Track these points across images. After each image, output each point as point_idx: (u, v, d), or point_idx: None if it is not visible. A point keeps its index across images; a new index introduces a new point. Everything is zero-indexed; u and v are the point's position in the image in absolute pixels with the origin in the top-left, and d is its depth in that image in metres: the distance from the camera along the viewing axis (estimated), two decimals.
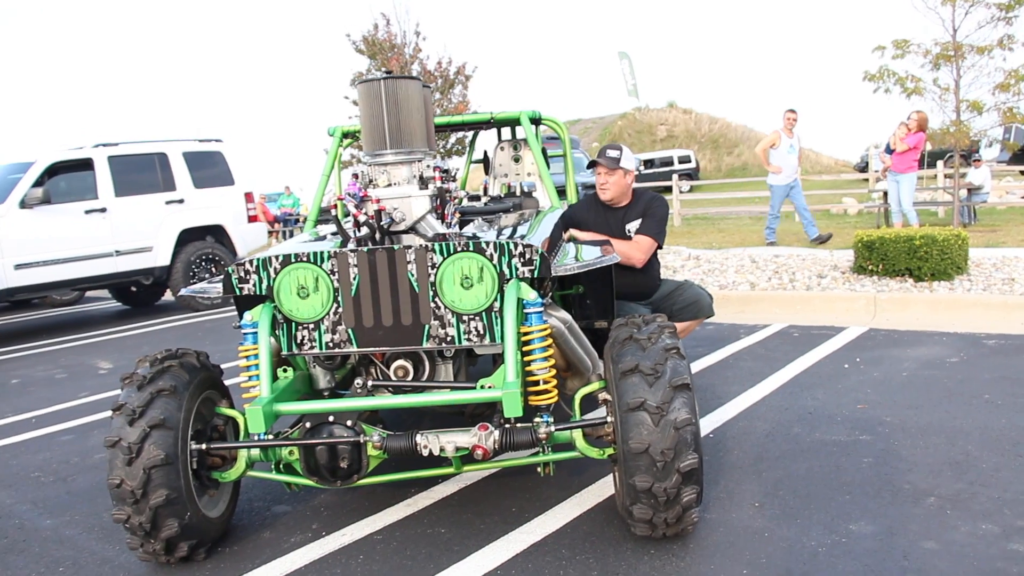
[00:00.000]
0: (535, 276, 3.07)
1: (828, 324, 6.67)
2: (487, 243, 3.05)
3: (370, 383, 3.22)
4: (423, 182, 3.46)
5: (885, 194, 16.29)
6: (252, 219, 11.46)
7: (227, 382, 3.47)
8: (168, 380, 3.09)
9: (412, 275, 3.08)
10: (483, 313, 3.08)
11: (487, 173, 5.77)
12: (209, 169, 11.13)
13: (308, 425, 3.11)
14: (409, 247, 3.07)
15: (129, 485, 2.93)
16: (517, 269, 3.05)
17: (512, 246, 3.04)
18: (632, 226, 4.65)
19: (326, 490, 3.71)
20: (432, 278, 3.07)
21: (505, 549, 3.06)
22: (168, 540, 3.02)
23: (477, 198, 4.79)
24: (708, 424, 4.34)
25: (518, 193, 5.49)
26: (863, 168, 29.23)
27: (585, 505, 3.40)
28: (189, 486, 3.06)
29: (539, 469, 3.20)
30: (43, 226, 9.36)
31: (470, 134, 7.49)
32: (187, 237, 10.72)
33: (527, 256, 3.04)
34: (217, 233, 11.08)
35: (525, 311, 3.07)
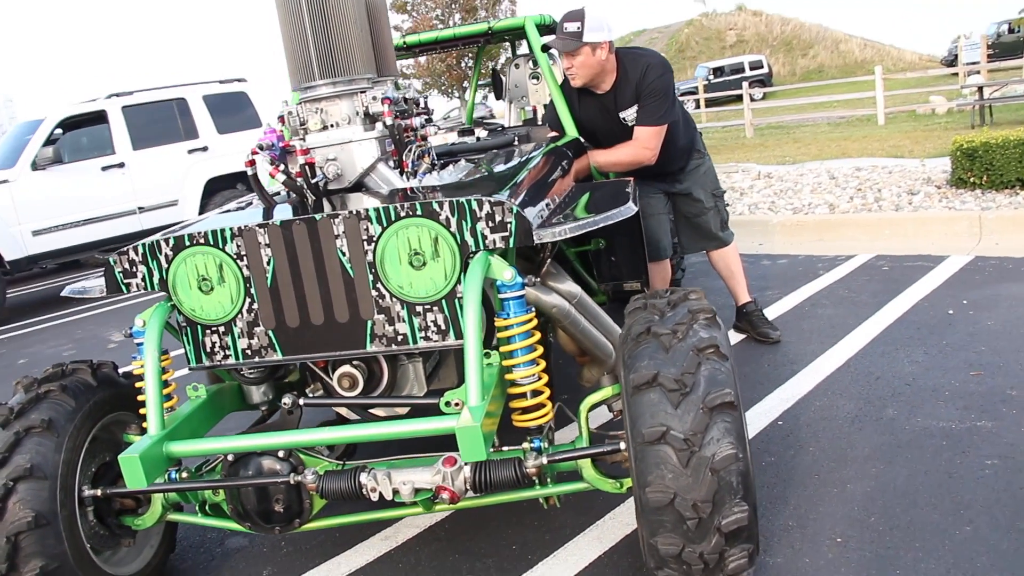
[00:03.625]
0: (511, 246, 2.19)
1: (924, 253, 5.56)
2: (440, 203, 2.17)
3: (302, 401, 2.42)
4: (369, 120, 2.59)
5: (980, 89, 14.63)
6: None
7: None
8: (44, 412, 2.35)
9: (343, 254, 2.24)
10: (443, 301, 2.23)
11: (499, 97, 4.81)
12: (233, 113, 10.39)
13: (230, 459, 2.34)
14: (336, 215, 2.22)
15: None
16: (484, 237, 2.18)
17: (475, 205, 2.16)
18: (628, 115, 3.64)
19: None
20: (370, 256, 2.22)
21: None
22: None
23: (470, 131, 3.86)
24: (777, 403, 3.43)
25: (540, 120, 4.57)
26: (951, 61, 26.76)
27: (607, 540, 2.57)
28: (80, 548, 2.34)
29: (542, 502, 2.37)
30: (58, 187, 8.78)
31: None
32: (215, 187, 10.05)
33: (498, 218, 2.16)
34: (248, 180, 10.39)
35: (500, 296, 2.21)
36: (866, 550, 2.32)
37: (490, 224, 2.15)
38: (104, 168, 9.14)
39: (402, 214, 2.18)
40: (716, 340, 2.01)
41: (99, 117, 9.28)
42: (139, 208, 9.38)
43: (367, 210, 2.19)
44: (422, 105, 2.95)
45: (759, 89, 30.32)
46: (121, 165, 9.25)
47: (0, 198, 8.41)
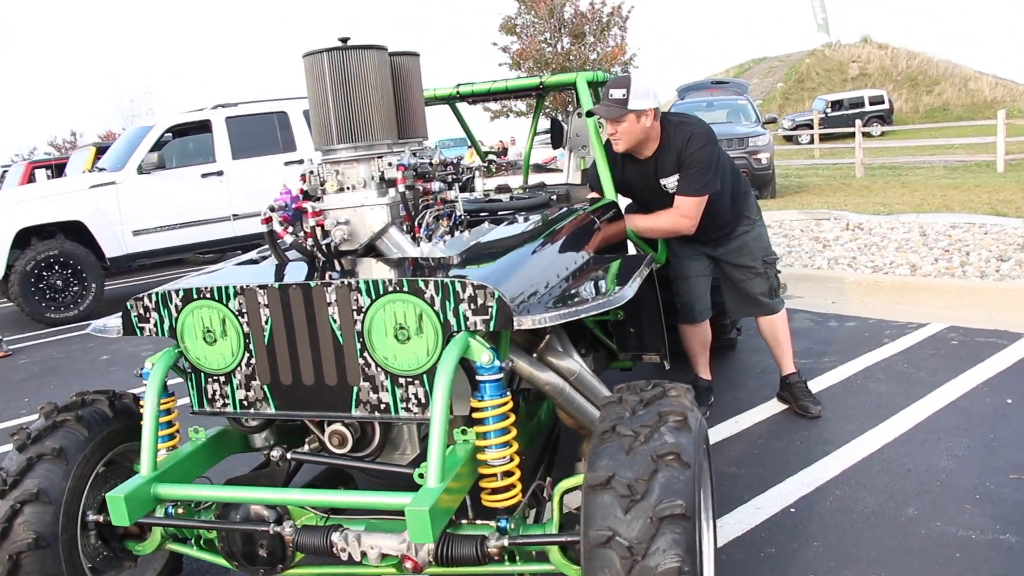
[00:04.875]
0: (491, 329, 2.21)
1: (1001, 328, 5.28)
2: (426, 281, 2.22)
3: (289, 455, 2.51)
4: (384, 185, 2.67)
5: None
6: None
7: None
8: (56, 440, 2.51)
9: (334, 321, 2.31)
10: (424, 376, 2.27)
11: (556, 146, 4.83)
12: None
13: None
14: (329, 284, 2.30)
15: None
16: (466, 319, 2.21)
17: (458, 286, 2.20)
18: (668, 182, 3.62)
19: None
20: (359, 326, 2.29)
21: None
22: None
23: (507, 189, 3.90)
24: (796, 488, 3.33)
25: None
26: None
27: None
28: (77, 569, 2.48)
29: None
30: (160, 191, 9.28)
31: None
32: None
33: (479, 301, 2.19)
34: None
35: (477, 377, 2.24)
36: None
37: (472, 306, 2.19)
38: (204, 175, 9.61)
39: (389, 289, 2.24)
40: (679, 447, 1.98)
41: (203, 126, 9.77)
42: (233, 215, 9.80)
43: (357, 282, 2.26)
44: (451, 167, 3.01)
45: (878, 126, 29.34)
46: (220, 173, 9.70)
47: (107, 199, 8.97)
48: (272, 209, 2.61)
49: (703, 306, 4.05)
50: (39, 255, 8.53)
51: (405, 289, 2.23)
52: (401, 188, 2.62)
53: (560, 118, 4.86)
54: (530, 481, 2.41)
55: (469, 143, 5.30)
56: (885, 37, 42.53)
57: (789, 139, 29.64)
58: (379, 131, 2.65)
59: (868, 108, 30.39)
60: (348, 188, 2.66)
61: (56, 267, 8.65)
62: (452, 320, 2.21)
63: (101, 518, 2.55)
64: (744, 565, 2.79)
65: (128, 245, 9.14)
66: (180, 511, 2.51)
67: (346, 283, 2.27)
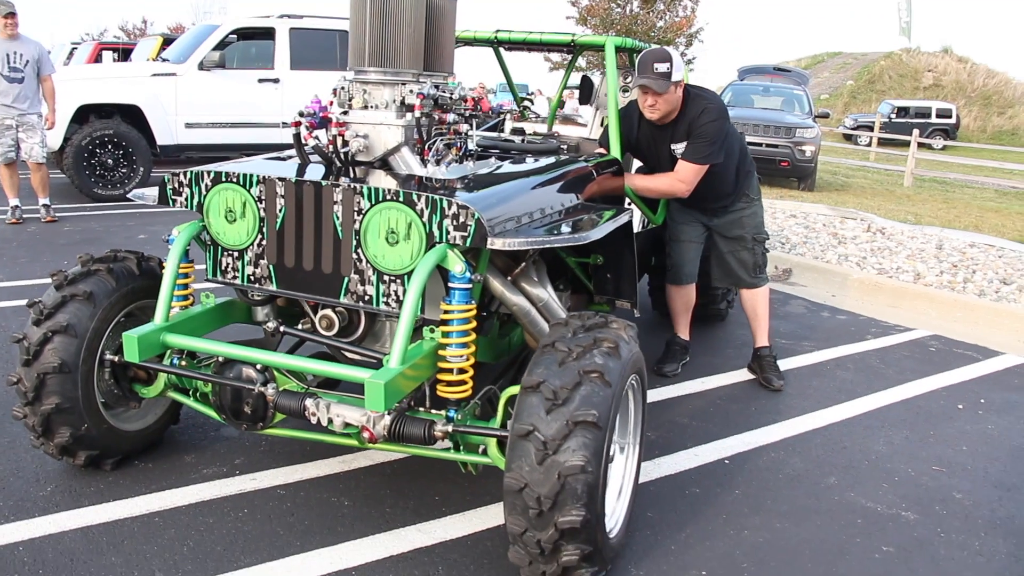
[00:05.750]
0: (467, 245, 2.54)
1: (981, 344, 5.51)
2: (419, 195, 2.55)
3: (282, 328, 2.88)
4: (404, 109, 2.98)
5: None
6: None
7: None
8: (88, 285, 2.91)
9: (337, 218, 2.65)
10: (405, 276, 2.61)
11: (584, 102, 5.09)
12: None
13: (220, 360, 2.83)
14: (337, 185, 2.64)
15: (24, 386, 2.82)
16: (447, 233, 2.54)
17: (445, 204, 2.52)
18: (678, 148, 3.91)
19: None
20: (357, 225, 2.63)
21: (385, 545, 2.68)
22: (60, 446, 2.89)
23: (521, 132, 4.19)
24: (736, 444, 3.65)
25: None
26: None
27: None
28: (90, 397, 2.89)
29: (460, 466, 2.75)
30: (217, 90, 9.68)
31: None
32: None
33: (461, 219, 2.51)
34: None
35: (450, 285, 2.57)
36: None
37: (454, 223, 2.51)
38: (261, 80, 9.97)
39: (387, 197, 2.57)
40: (604, 367, 2.31)
41: (268, 33, 10.09)
42: (283, 123, 10.14)
43: (361, 187, 2.59)
44: (469, 103, 3.31)
45: (940, 140, 28.91)
46: (276, 81, 10.05)
47: (166, 89, 9.37)
48: (301, 115, 2.93)
49: (691, 270, 4.34)
50: (95, 132, 8.96)
51: (400, 199, 2.56)
52: (417, 114, 2.93)
53: (599, 76, 5.11)
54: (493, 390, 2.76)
55: (530, 91, 5.59)
56: (966, 51, 41.37)
57: (848, 138, 29.32)
58: (406, 60, 2.95)
59: (934, 120, 29.91)
60: (372, 107, 2.98)
61: (109, 146, 9.09)
62: (436, 232, 2.54)
63: (116, 359, 2.94)
64: (668, 498, 3.13)
65: (179, 136, 9.55)
66: (183, 363, 2.90)
67: (352, 187, 2.61)
